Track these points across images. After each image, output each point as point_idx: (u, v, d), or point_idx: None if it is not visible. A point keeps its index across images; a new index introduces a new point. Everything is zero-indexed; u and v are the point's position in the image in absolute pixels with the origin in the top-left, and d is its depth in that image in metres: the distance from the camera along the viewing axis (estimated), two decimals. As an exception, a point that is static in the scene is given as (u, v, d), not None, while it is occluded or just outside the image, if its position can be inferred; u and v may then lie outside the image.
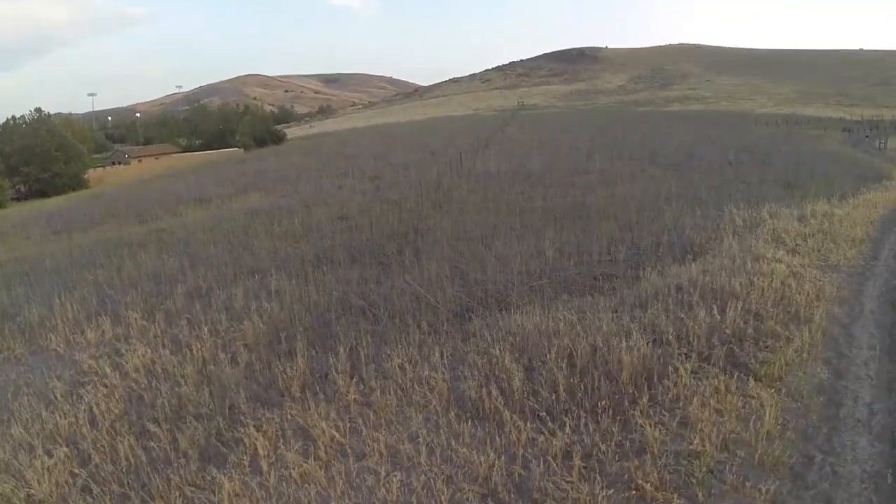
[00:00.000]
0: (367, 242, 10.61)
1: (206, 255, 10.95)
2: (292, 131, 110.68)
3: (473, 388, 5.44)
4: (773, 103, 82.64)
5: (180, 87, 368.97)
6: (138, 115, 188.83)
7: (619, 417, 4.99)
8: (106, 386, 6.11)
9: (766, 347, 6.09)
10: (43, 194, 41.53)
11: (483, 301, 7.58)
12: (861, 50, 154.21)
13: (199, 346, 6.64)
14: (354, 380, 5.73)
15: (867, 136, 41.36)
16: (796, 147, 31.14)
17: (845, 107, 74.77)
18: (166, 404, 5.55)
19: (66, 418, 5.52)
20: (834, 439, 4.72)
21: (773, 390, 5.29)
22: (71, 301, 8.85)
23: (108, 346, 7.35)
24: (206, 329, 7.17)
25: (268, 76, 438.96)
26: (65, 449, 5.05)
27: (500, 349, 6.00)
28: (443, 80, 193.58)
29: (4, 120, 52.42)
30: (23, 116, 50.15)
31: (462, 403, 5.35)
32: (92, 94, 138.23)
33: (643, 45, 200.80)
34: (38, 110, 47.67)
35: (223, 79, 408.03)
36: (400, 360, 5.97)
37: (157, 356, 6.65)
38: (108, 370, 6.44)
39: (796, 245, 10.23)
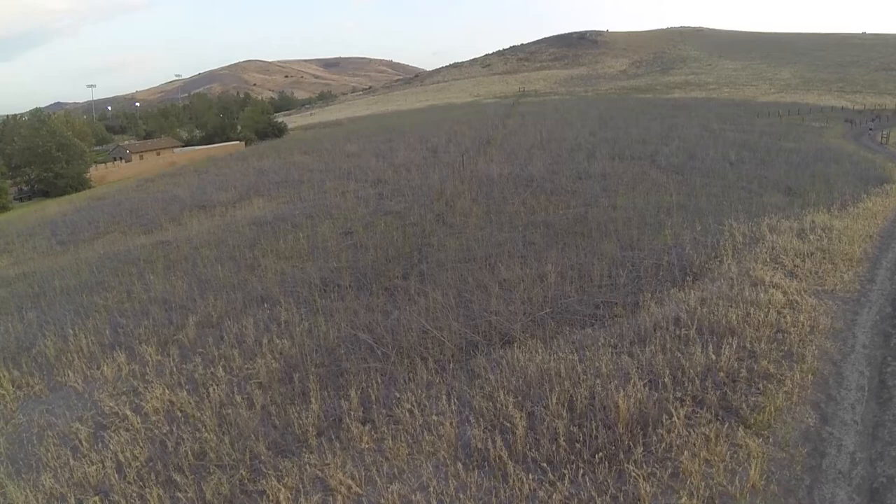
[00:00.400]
0: (373, 264, 10.84)
1: (214, 276, 11.20)
2: (292, 119, 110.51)
3: (479, 436, 5.72)
4: (776, 90, 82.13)
5: (179, 75, 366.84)
6: (137, 104, 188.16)
7: (614, 468, 5.27)
8: (128, 430, 6.41)
9: (759, 391, 6.33)
10: (45, 194, 41.83)
11: (487, 334, 7.84)
12: (863, 34, 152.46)
13: (215, 387, 6.92)
14: (367, 427, 6.02)
15: (871, 130, 41.26)
16: (797, 143, 31.18)
17: (848, 94, 74.29)
18: (189, 452, 5.85)
19: (92, 465, 5.82)
20: (815, 492, 5.00)
21: (760, 440, 5.56)
22: (84, 332, 9.12)
23: (124, 382, 7.64)
24: (220, 367, 7.45)
25: (267, 61, 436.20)
26: (95, 499, 5.37)
27: (503, 394, 6.27)
28: (443, 63, 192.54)
29: (4, 117, 52.62)
30: (23, 116, 50.24)
31: (469, 452, 5.64)
32: (91, 86, 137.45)
33: (644, 29, 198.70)
34: (37, 110, 47.73)
35: (223, 65, 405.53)
36: (409, 405, 6.25)
37: (175, 397, 6.93)
38: (128, 412, 6.74)
39: (794, 266, 10.43)
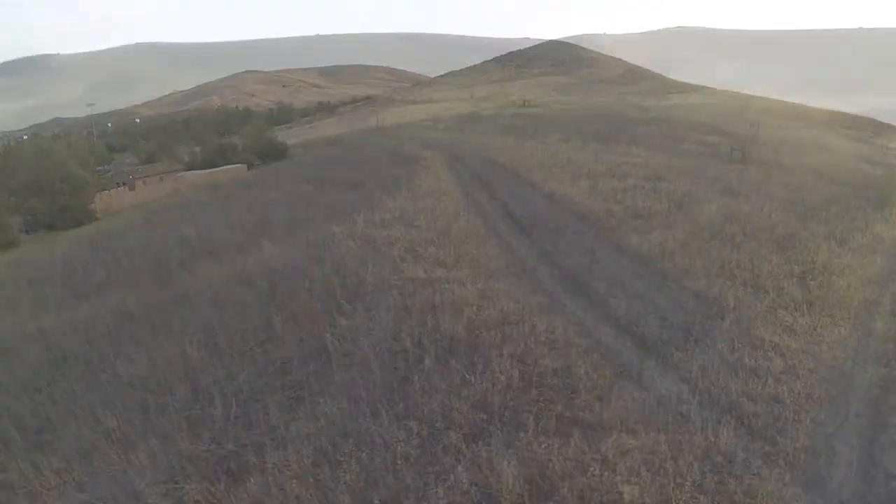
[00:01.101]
0: (388, 349, 10.94)
1: (238, 351, 11.35)
2: (293, 133, 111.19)
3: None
4: (775, 91, 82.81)
5: (178, 90, 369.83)
6: (138, 119, 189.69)
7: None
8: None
9: (753, 473, 6.81)
10: (51, 226, 42.52)
11: (501, 416, 8.29)
12: (860, 29, 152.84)
13: (252, 480, 7.39)
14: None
15: (871, 136, 41.72)
16: (797, 159, 31.66)
17: (847, 93, 74.63)
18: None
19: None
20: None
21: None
22: (114, 412, 9.51)
23: (161, 470, 8.10)
24: (252, 454, 7.91)
25: (265, 71, 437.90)
26: None
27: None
28: (442, 70, 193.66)
29: (4, 136, 53.36)
30: (23, 136, 50.98)
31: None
32: (90, 105, 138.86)
33: (641, 31, 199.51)
34: (38, 136, 48.62)
35: (221, 76, 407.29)
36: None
37: (214, 488, 7.38)
38: (172, 506, 7.22)
39: (794, 321, 10.87)
